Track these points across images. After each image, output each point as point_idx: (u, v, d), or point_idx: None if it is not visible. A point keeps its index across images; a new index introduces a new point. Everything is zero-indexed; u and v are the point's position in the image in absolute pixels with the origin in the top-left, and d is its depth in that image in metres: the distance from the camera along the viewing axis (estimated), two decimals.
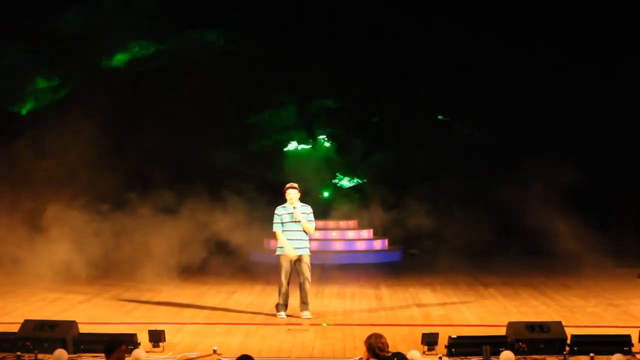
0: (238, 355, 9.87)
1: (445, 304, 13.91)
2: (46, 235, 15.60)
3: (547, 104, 22.07)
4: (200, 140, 21.90)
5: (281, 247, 12.30)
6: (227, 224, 17.14)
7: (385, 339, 7.54)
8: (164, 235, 16.48)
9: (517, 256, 20.04)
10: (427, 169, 22.56)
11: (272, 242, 21.14)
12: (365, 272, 18.39)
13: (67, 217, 15.89)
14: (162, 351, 10.06)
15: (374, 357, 7.46)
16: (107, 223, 16.44)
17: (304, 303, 12.31)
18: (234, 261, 18.32)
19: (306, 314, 12.29)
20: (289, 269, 12.25)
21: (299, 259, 12.26)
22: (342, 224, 21.58)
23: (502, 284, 16.23)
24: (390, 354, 7.51)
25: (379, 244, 21.63)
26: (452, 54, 22.31)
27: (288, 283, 12.27)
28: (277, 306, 12.41)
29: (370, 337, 7.56)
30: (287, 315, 12.37)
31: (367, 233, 21.81)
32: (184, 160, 21.55)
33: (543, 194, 19.21)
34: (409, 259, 20.93)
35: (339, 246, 20.86)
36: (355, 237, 21.58)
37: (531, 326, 10.13)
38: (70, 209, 16.05)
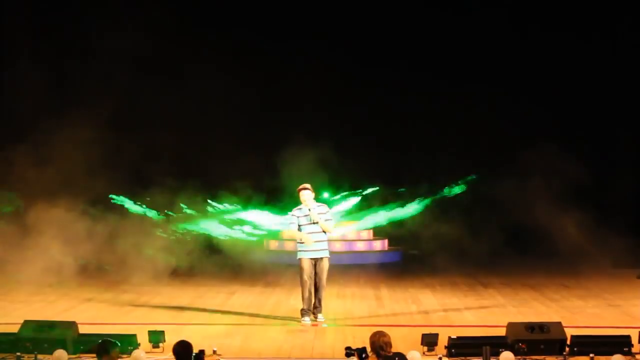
0: (238, 356, 9.96)
1: (445, 304, 13.91)
2: (40, 236, 15.65)
3: (545, 98, 21.80)
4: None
5: (301, 251, 12.06)
6: (222, 223, 17.15)
7: (388, 338, 7.52)
8: (161, 236, 16.51)
9: (517, 256, 20.04)
10: (424, 167, 22.32)
11: (271, 243, 21.14)
12: (365, 272, 18.37)
13: (62, 217, 15.92)
14: (162, 352, 10.07)
15: (376, 356, 7.47)
16: (102, 223, 16.46)
17: (316, 307, 12.09)
18: (233, 262, 18.30)
19: (321, 317, 12.07)
20: (311, 271, 12.00)
21: (318, 263, 12.04)
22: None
23: (502, 284, 16.24)
24: (391, 354, 7.52)
25: (379, 245, 21.62)
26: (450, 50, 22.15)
27: (311, 286, 11.99)
28: (302, 311, 12.09)
29: (374, 334, 7.57)
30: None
31: (367, 234, 21.79)
32: (182, 158, 21.28)
33: (542, 192, 19.18)
34: (409, 260, 20.90)
35: (338, 247, 20.83)
36: (356, 238, 21.56)
37: (531, 327, 10.13)
38: (66, 209, 16.06)
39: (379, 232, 21.78)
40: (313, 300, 12.07)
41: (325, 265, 12.04)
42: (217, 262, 17.69)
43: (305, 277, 11.94)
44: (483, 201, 20.15)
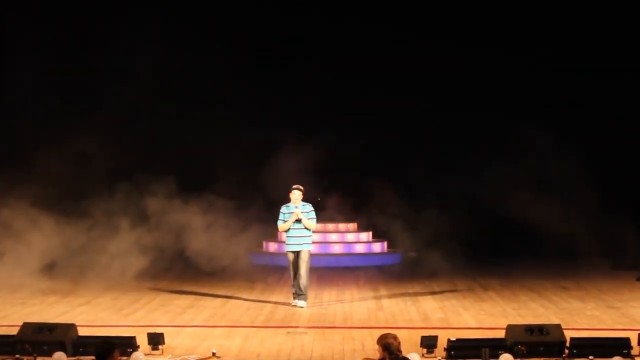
0: (238, 358, 9.97)
1: (444, 306, 13.91)
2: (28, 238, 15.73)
3: (541, 90, 21.61)
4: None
5: (286, 244, 13.70)
6: (222, 226, 17.11)
7: (399, 341, 7.68)
8: (161, 238, 16.50)
9: (516, 258, 20.03)
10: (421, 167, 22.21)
11: (270, 245, 21.16)
12: (364, 275, 18.37)
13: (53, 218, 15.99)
14: (161, 354, 10.07)
15: (388, 356, 7.55)
16: (100, 223, 16.49)
17: (297, 294, 13.61)
18: (232, 264, 18.27)
19: (299, 303, 13.54)
20: (295, 261, 13.59)
21: (298, 255, 13.56)
22: (342, 226, 21.56)
23: (501, 286, 16.23)
24: (401, 357, 7.59)
25: (378, 247, 21.61)
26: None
27: (296, 274, 13.56)
28: (293, 295, 13.78)
29: (389, 336, 7.70)
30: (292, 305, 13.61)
31: (366, 236, 21.78)
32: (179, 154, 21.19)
33: (539, 191, 19.19)
34: (408, 262, 20.88)
35: (338, 249, 20.85)
36: (355, 240, 21.55)
37: (530, 329, 10.15)
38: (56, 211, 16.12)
39: (378, 234, 21.76)
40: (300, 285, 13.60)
41: (304, 256, 13.53)
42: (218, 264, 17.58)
43: (290, 268, 13.69)
44: (480, 199, 20.09)
